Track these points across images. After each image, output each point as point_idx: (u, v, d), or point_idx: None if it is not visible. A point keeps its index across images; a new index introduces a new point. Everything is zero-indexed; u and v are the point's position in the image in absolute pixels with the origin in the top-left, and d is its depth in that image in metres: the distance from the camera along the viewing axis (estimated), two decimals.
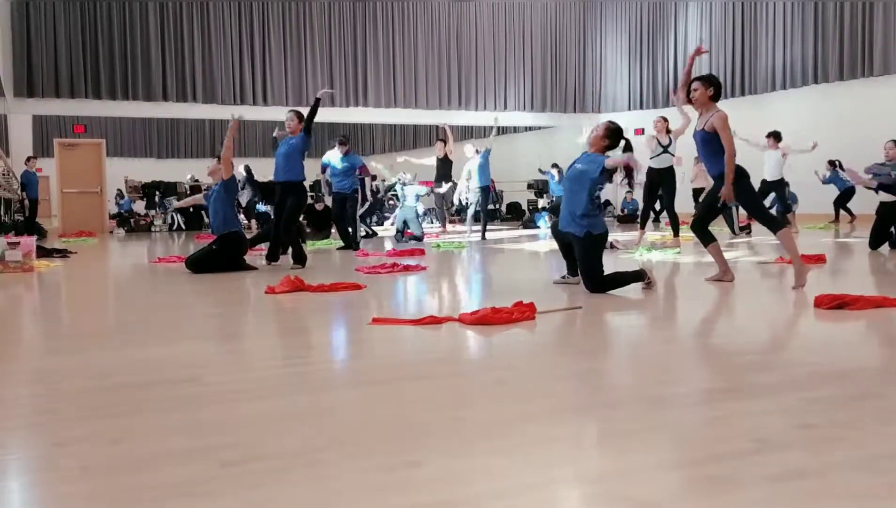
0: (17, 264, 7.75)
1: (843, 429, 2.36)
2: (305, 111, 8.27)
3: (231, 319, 5.08)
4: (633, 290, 5.67)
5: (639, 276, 5.64)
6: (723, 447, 2.20)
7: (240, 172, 16.58)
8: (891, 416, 2.52)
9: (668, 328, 4.53)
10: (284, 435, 2.36)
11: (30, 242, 8.11)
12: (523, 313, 4.41)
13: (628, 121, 18.47)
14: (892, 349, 3.80)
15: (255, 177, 16.04)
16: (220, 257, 7.64)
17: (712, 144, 5.79)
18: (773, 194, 12.43)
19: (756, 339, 4.00)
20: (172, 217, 17.55)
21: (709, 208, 6.09)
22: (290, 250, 8.18)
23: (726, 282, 5.99)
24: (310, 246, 10.63)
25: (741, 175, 5.83)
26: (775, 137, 12.25)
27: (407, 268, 7.55)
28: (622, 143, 5.78)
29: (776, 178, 12.26)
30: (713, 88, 5.85)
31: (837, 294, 4.73)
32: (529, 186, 20.91)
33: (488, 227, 13.35)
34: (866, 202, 14.63)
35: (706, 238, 6.07)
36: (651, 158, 10.43)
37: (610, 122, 5.89)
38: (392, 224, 14.39)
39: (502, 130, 18.61)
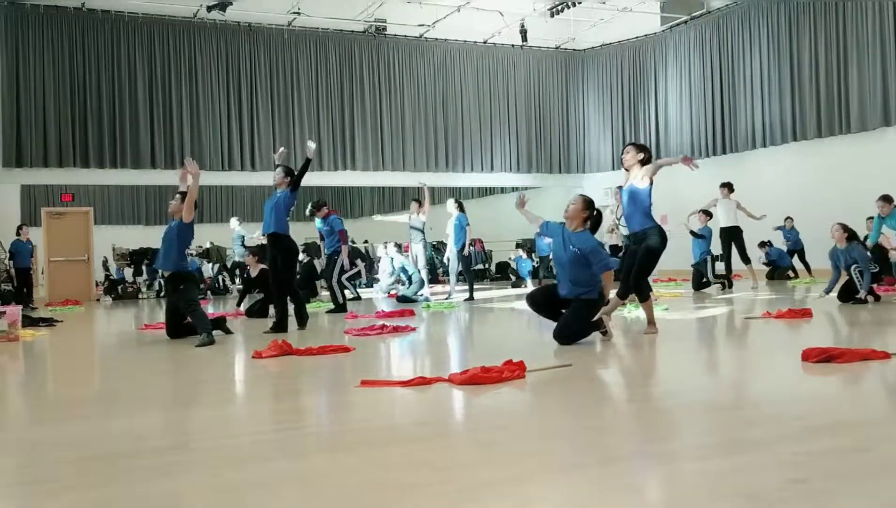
0: (2, 333, 7.67)
1: (835, 483, 2.35)
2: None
3: (217, 384, 5.02)
4: (622, 347, 5.67)
5: (596, 325, 5.97)
6: (716, 503, 2.18)
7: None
8: (882, 469, 2.51)
9: (657, 385, 4.52)
10: (269, 501, 2.33)
11: (15, 311, 8.04)
12: (513, 371, 4.39)
13: (612, 180, 18.65)
14: (881, 402, 3.80)
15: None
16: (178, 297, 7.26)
17: (639, 199, 6.44)
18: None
19: (746, 393, 3.99)
20: (160, 283, 17.50)
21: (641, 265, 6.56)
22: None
23: (650, 334, 6.38)
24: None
25: (656, 232, 6.41)
26: (728, 187, 13.04)
27: (396, 329, 7.52)
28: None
29: (731, 224, 12.89)
30: (643, 153, 6.57)
31: (824, 348, 4.74)
32: (518, 246, 21.00)
33: (475, 286, 13.23)
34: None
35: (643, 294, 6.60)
36: (621, 228, 10.82)
37: (582, 195, 6.42)
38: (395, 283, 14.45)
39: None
